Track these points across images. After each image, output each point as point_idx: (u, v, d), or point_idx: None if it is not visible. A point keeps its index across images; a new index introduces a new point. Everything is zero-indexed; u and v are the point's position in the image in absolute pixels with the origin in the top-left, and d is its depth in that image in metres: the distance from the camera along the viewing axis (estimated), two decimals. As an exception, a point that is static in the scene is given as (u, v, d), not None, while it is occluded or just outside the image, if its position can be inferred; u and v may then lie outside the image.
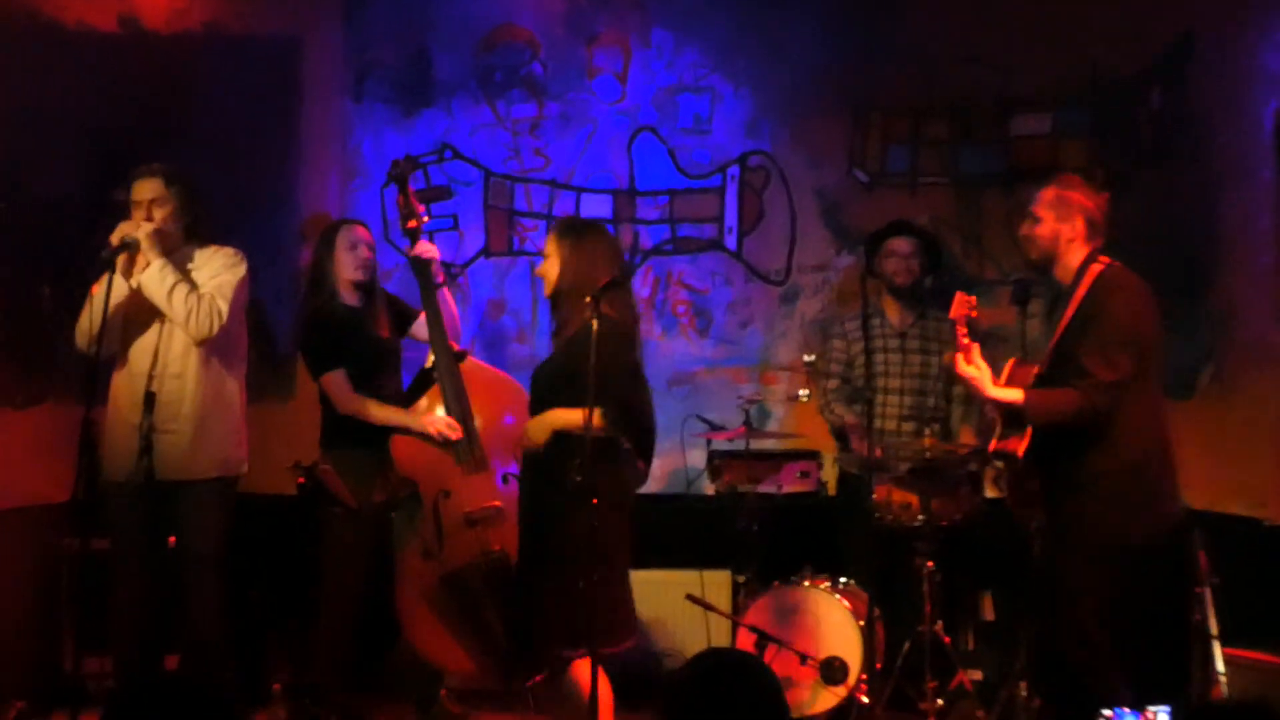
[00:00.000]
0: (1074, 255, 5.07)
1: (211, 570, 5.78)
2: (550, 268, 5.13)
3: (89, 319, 5.61)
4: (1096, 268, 5.02)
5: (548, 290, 5.17)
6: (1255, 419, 6.12)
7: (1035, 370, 5.01)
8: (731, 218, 7.51)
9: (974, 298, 5.11)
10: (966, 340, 5.02)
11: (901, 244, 6.68)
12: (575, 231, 5.27)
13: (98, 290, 5.60)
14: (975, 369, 4.97)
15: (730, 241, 7.50)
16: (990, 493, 6.54)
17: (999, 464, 6.11)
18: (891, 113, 7.30)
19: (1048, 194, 5.10)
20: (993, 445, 5.13)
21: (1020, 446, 4.97)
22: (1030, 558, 5.73)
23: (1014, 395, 4.92)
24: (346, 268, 6.04)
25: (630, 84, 7.60)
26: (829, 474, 6.92)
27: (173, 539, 5.84)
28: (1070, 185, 5.14)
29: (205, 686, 2.45)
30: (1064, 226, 5.07)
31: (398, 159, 6.40)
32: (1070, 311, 5.01)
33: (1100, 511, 4.86)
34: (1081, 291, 5.00)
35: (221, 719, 2.38)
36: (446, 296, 6.19)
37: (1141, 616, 5.07)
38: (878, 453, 6.26)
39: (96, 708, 2.45)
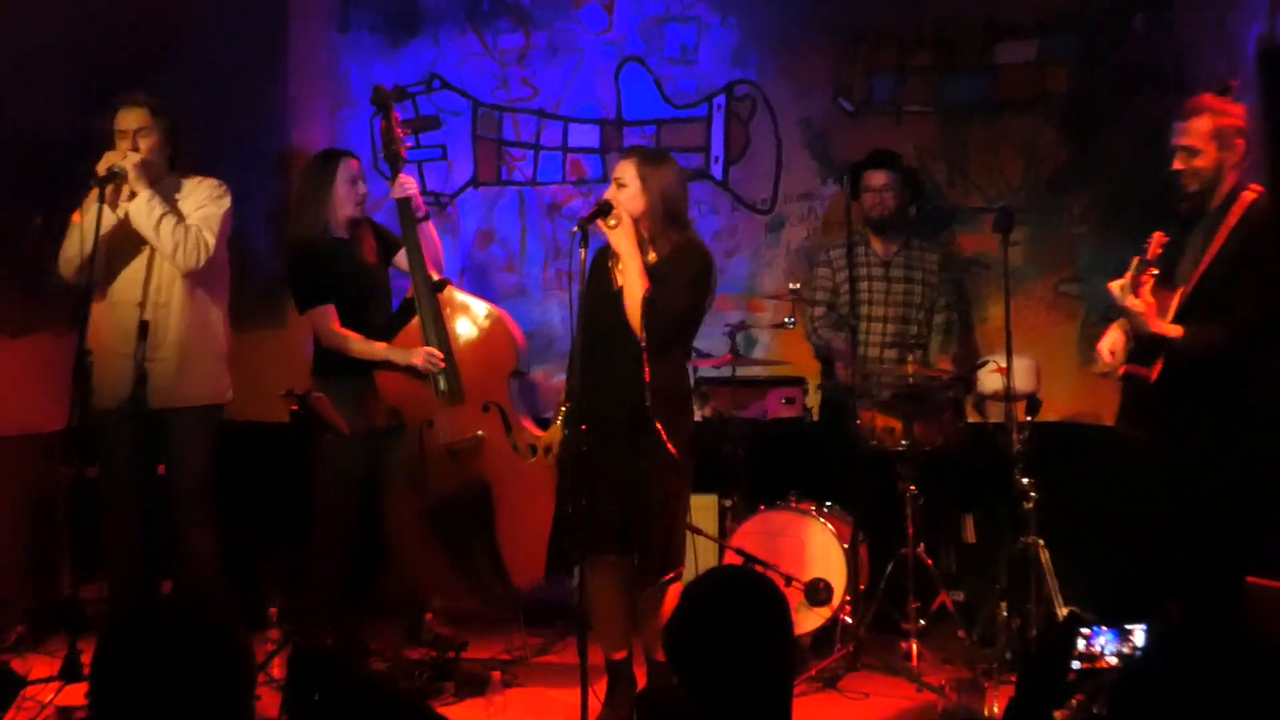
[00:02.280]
0: (1227, 181, 4.96)
1: (200, 495, 5.82)
2: (632, 194, 5.13)
3: (75, 247, 5.62)
4: (1249, 196, 4.93)
5: (630, 214, 5.13)
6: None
7: (1178, 295, 4.92)
8: (718, 147, 7.49)
9: (1166, 237, 4.95)
10: (1147, 278, 4.91)
11: (876, 177, 6.68)
12: (655, 158, 5.34)
13: (79, 219, 5.60)
14: (1142, 303, 4.89)
15: (717, 171, 7.48)
16: (972, 417, 6.57)
17: (984, 390, 6.15)
18: (877, 42, 7.25)
19: (1202, 124, 4.93)
20: (1123, 369, 5.09)
21: (1154, 372, 4.94)
22: (1010, 481, 5.78)
23: (1174, 331, 4.85)
24: (346, 202, 6.03)
25: (617, 14, 7.56)
26: (813, 400, 6.95)
27: (161, 467, 5.87)
28: (1221, 109, 4.98)
29: (200, 609, 2.47)
30: (1227, 154, 4.94)
31: (381, 86, 6.40)
32: (1220, 239, 4.90)
33: (1254, 443, 4.84)
34: (1233, 220, 4.90)
35: (218, 641, 2.39)
36: (429, 229, 6.19)
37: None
38: (857, 380, 6.31)
39: (94, 632, 2.46)
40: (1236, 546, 4.92)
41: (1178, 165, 5.01)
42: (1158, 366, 4.92)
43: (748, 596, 2.96)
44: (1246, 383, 4.88)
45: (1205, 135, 4.94)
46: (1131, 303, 4.89)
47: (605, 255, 5.23)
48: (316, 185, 6.07)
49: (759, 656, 2.87)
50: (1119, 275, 5.08)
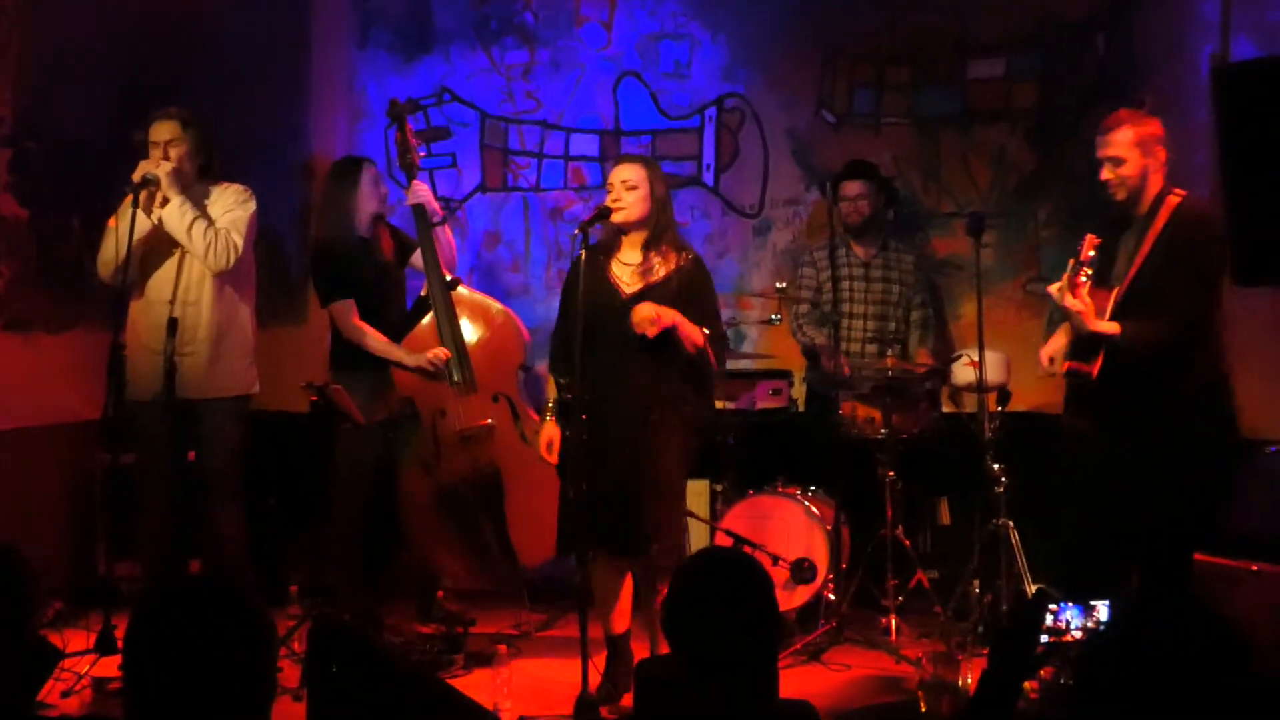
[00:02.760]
0: (1153, 186, 4.98)
1: (228, 480, 5.82)
2: (641, 197, 5.05)
3: (111, 250, 5.62)
4: (1173, 199, 4.95)
5: (630, 217, 5.06)
6: (1229, 341, 6.13)
7: (1113, 295, 4.92)
8: (709, 156, 7.48)
9: (1099, 239, 4.95)
10: (1082, 279, 4.90)
11: (851, 187, 6.67)
12: (656, 165, 5.27)
13: (114, 223, 5.61)
14: (1080, 303, 4.89)
15: (708, 178, 7.47)
16: (946, 407, 6.56)
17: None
18: (857, 58, 7.25)
19: (1124, 135, 4.95)
20: (1065, 366, 5.08)
21: (1094, 368, 4.93)
22: (982, 467, 5.78)
23: (1111, 328, 4.85)
24: (371, 201, 6.07)
25: (615, 31, 7.54)
26: (799, 392, 6.94)
27: (192, 454, 5.86)
28: (1143, 121, 5.02)
29: (227, 586, 2.45)
30: (1150, 161, 4.96)
31: (396, 99, 6.42)
32: (1150, 241, 4.92)
33: (1191, 427, 4.85)
34: (1161, 222, 4.92)
35: (243, 616, 2.38)
36: (444, 232, 6.20)
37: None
38: (845, 371, 6.31)
39: (128, 608, 2.45)
40: (1181, 528, 4.92)
41: (1105, 175, 5.03)
42: (1098, 363, 4.92)
43: (736, 577, 2.95)
44: (1183, 373, 4.89)
45: (1129, 145, 4.97)
46: (1070, 303, 4.89)
47: (596, 254, 5.12)
48: (341, 188, 6.09)
49: (748, 632, 2.86)
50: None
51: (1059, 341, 5.19)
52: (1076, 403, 5.14)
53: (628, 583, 5.18)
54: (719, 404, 6.57)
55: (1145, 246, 4.94)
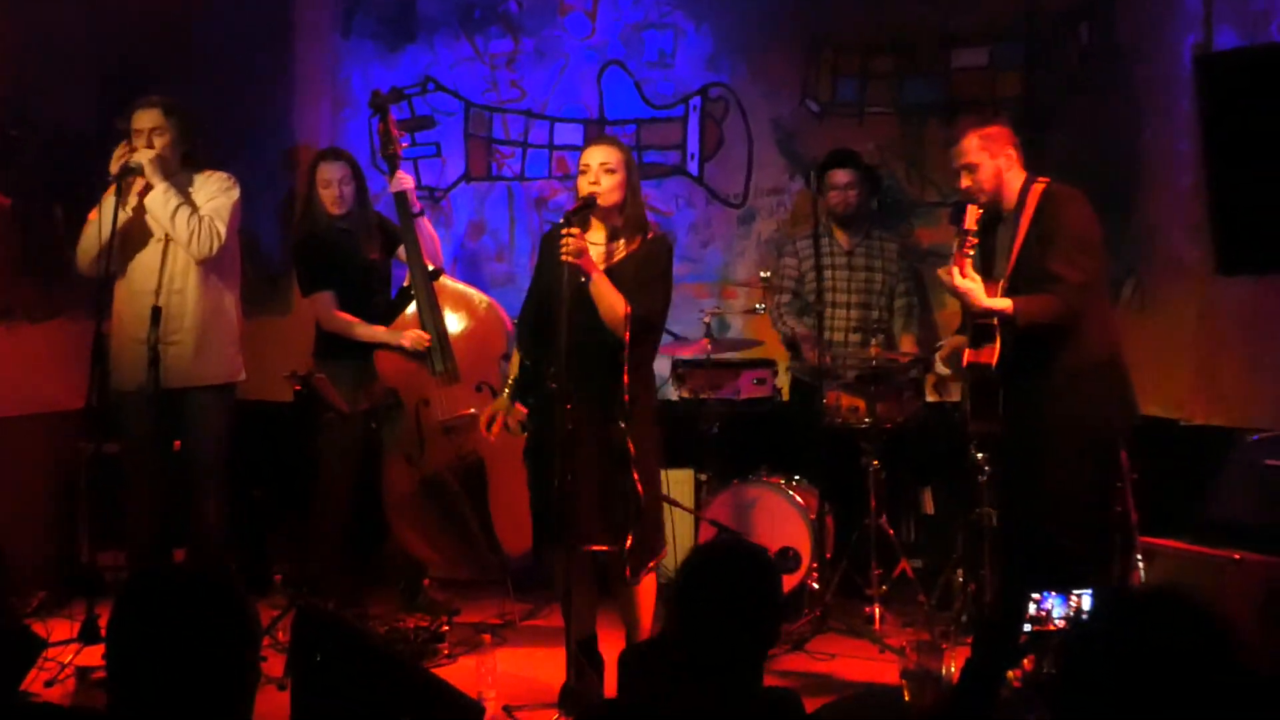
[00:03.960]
0: (1014, 181, 5.04)
1: (214, 469, 5.82)
2: (619, 182, 4.95)
3: (92, 240, 5.61)
4: (1039, 187, 5.00)
5: (607, 202, 4.94)
6: (1173, 329, 6.14)
7: (1000, 287, 4.96)
8: (693, 145, 7.48)
9: (980, 209, 5.00)
10: (969, 251, 4.93)
11: (839, 175, 6.69)
12: (629, 150, 5.20)
13: (95, 216, 5.59)
14: (970, 281, 4.92)
15: (692, 167, 7.47)
16: (930, 397, 6.57)
17: (943, 371, 6.14)
18: (841, 48, 7.25)
19: (970, 143, 5.04)
20: (966, 358, 5.10)
21: (992, 357, 4.96)
22: (966, 457, 5.79)
23: (1004, 304, 4.87)
24: (324, 203, 6.08)
25: (599, 21, 7.53)
26: (783, 381, 6.94)
27: (177, 443, 5.85)
28: (985, 123, 5.14)
29: (210, 574, 2.45)
30: (1000, 160, 5.02)
31: (378, 90, 6.41)
32: (1023, 229, 4.97)
33: (1084, 407, 4.88)
34: (1030, 209, 4.97)
35: (225, 604, 2.37)
36: (425, 224, 6.20)
37: (1102, 503, 5.15)
38: (827, 360, 6.31)
39: (111, 597, 2.44)
40: (1091, 508, 4.99)
41: (963, 184, 5.10)
42: (995, 351, 4.95)
43: (749, 569, 2.94)
44: (1075, 349, 4.91)
45: (976, 150, 5.04)
46: (960, 282, 4.91)
47: (555, 237, 4.94)
48: (308, 185, 6.14)
49: (753, 625, 2.86)
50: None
51: (953, 343, 5.29)
52: (979, 402, 5.17)
53: (595, 588, 5.13)
54: (703, 394, 6.58)
55: (1020, 233, 5.00)
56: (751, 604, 2.86)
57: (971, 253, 4.93)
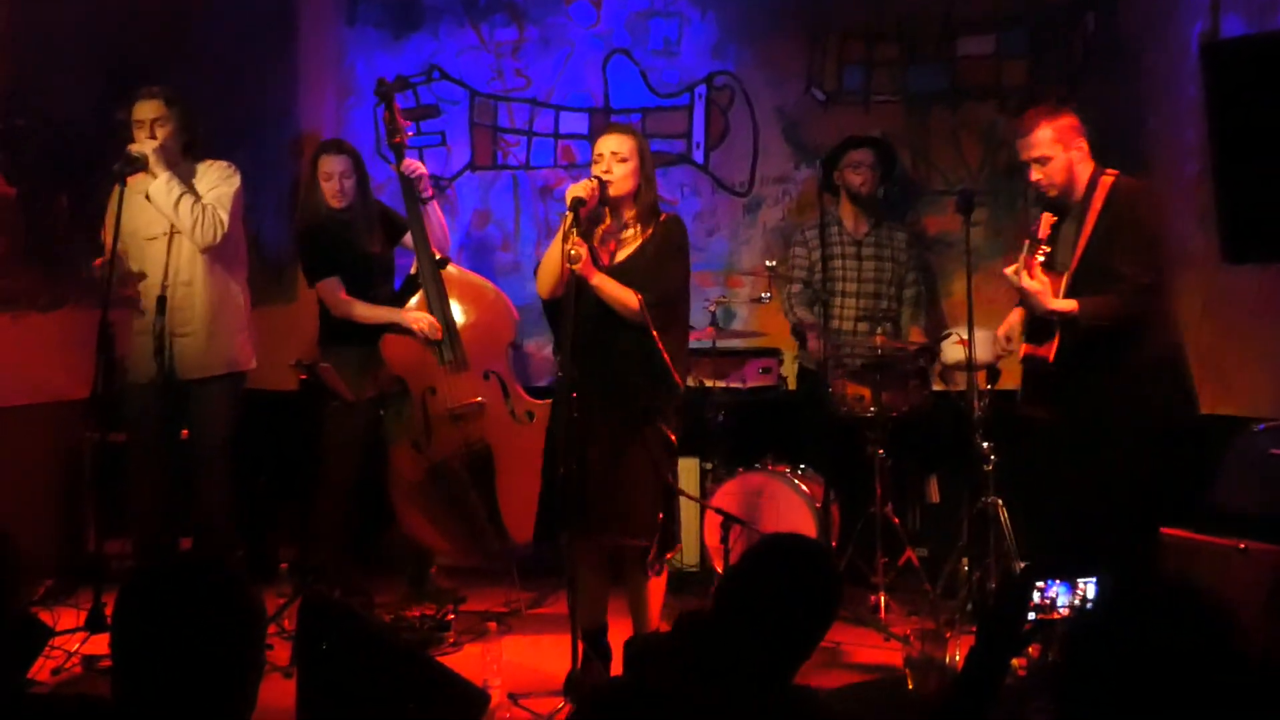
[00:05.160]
0: (1082, 173, 5.02)
1: (221, 459, 5.84)
2: (631, 170, 4.92)
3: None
4: (1107, 180, 4.99)
5: (620, 191, 4.90)
6: (1177, 314, 6.14)
7: (1064, 281, 4.95)
8: (699, 134, 7.47)
9: (1055, 216, 5.00)
10: (1039, 258, 4.92)
11: (864, 154, 6.69)
12: (645, 139, 5.13)
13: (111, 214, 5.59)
14: (1038, 283, 4.91)
15: (698, 156, 7.46)
16: (936, 386, 6.57)
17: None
18: (847, 35, 7.24)
19: (1043, 134, 5.01)
20: (1023, 350, 5.10)
21: (1050, 351, 4.95)
22: (971, 445, 5.78)
23: (1069, 305, 4.88)
24: (325, 196, 6.07)
25: (604, 9, 7.52)
26: (789, 370, 6.94)
27: (185, 432, 5.87)
28: (1056, 114, 5.07)
29: (214, 563, 2.45)
30: (1072, 152, 5.01)
31: (383, 79, 6.39)
32: (1090, 223, 4.96)
33: (1145, 403, 4.89)
34: (1098, 203, 4.96)
35: (231, 593, 2.38)
36: (434, 209, 6.18)
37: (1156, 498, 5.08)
38: (830, 350, 6.30)
39: (118, 586, 2.44)
40: (1144, 502, 4.96)
41: (1034, 177, 5.09)
42: (1054, 346, 4.94)
43: (815, 567, 2.91)
44: (1137, 347, 4.93)
45: (1050, 142, 5.02)
46: (1027, 283, 4.92)
47: (581, 225, 4.84)
48: (310, 176, 6.15)
49: (805, 626, 2.83)
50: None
51: (1013, 319, 5.25)
52: (1032, 390, 5.17)
53: (606, 579, 5.13)
54: (708, 382, 6.58)
55: (1087, 228, 4.98)
56: (808, 608, 2.84)
57: (1043, 258, 4.91)
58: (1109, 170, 5.04)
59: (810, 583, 2.88)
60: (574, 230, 4.72)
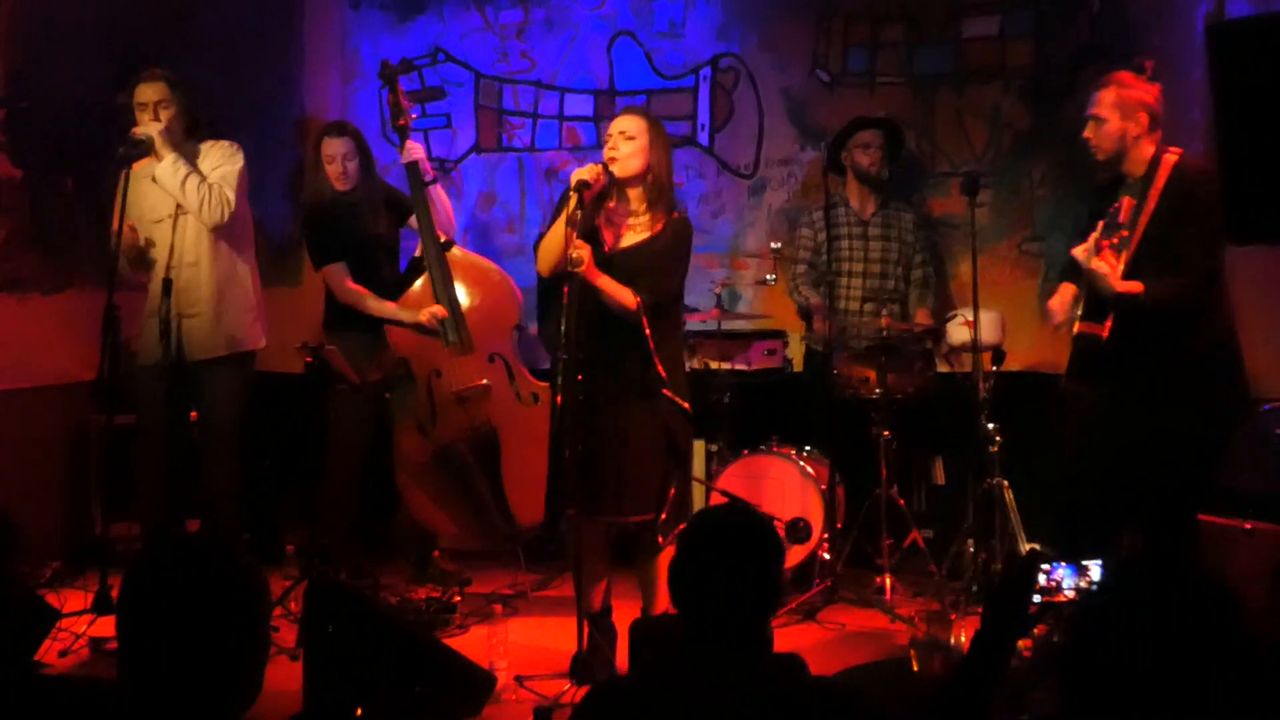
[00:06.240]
0: (1143, 149, 4.99)
1: (229, 439, 5.86)
2: (639, 149, 4.89)
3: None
4: (1171, 158, 4.95)
5: (625, 170, 4.88)
6: (1235, 298, 6.13)
7: (1121, 258, 4.87)
8: (704, 116, 7.46)
9: (1134, 200, 4.93)
10: (1115, 241, 4.85)
11: (873, 135, 6.69)
12: (660, 124, 5.09)
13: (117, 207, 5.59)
14: (1107, 265, 4.88)
15: (703, 138, 7.45)
16: (942, 367, 6.56)
17: (953, 342, 6.14)
18: (852, 17, 7.21)
19: (1108, 95, 4.99)
20: (1077, 328, 5.08)
21: (1104, 330, 4.93)
22: (977, 426, 5.78)
23: (1135, 287, 4.83)
24: (329, 178, 6.08)
25: (610, -10, 7.52)
26: (794, 351, 6.93)
27: (194, 414, 5.89)
28: (1128, 83, 5.03)
29: (220, 545, 2.45)
30: (1129, 124, 4.97)
31: (388, 61, 6.37)
32: (1153, 202, 4.92)
33: (1199, 385, 4.87)
34: (1161, 181, 4.92)
35: (236, 575, 2.38)
36: (438, 192, 6.17)
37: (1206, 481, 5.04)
38: (834, 331, 6.30)
39: (124, 567, 2.44)
40: (1189, 486, 4.93)
41: (1086, 134, 5.07)
42: (1108, 324, 4.91)
43: (748, 536, 2.91)
44: (1195, 331, 4.89)
45: (1110, 105, 5.00)
46: (1097, 264, 4.86)
47: (589, 202, 4.86)
48: (314, 159, 6.15)
49: (751, 594, 2.83)
50: (1075, 235, 5.10)
51: (1065, 295, 5.20)
52: (1081, 366, 5.12)
53: (609, 559, 5.14)
54: (714, 365, 6.58)
55: (1150, 205, 4.93)
56: (749, 570, 2.82)
57: (1118, 242, 4.86)
58: (1172, 149, 4.99)
59: (746, 547, 2.86)
60: (578, 212, 4.72)
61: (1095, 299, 4.95)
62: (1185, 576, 2.18)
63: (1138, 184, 5.00)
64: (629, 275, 4.87)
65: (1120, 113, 4.98)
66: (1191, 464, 4.91)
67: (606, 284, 4.82)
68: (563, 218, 4.79)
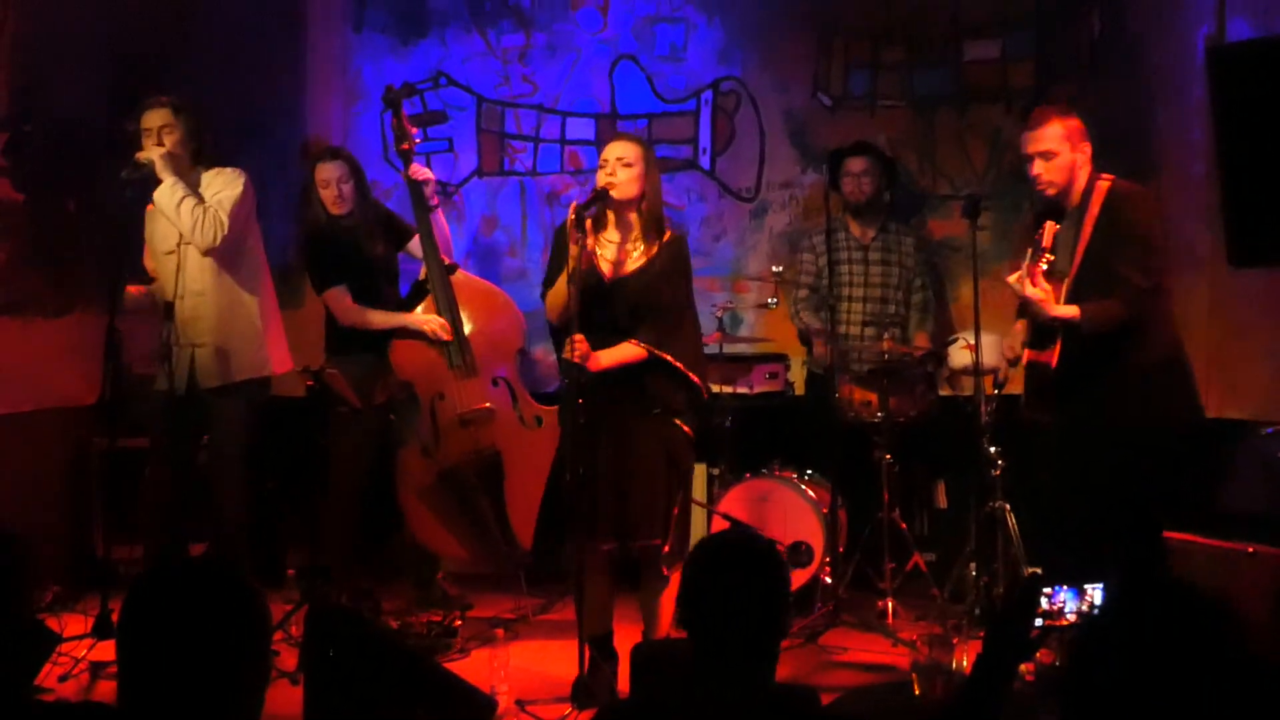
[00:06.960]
0: (1081, 177, 5.02)
1: (235, 467, 5.84)
2: (635, 176, 4.91)
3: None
4: (1103, 185, 4.98)
5: (624, 195, 4.91)
6: (1184, 316, 6.12)
7: (1064, 286, 4.94)
8: (705, 139, 7.47)
9: (1058, 225, 4.97)
10: (1042, 266, 4.90)
11: (855, 163, 6.66)
12: (652, 150, 5.13)
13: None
14: (1040, 291, 4.90)
15: (704, 161, 7.46)
16: (944, 391, 6.55)
17: (955, 365, 6.14)
18: (853, 40, 7.24)
19: (1053, 130, 4.99)
20: (1026, 356, 5.10)
21: (1053, 357, 4.95)
22: (978, 450, 5.77)
23: (1071, 311, 4.87)
24: (324, 202, 6.09)
25: (611, 15, 7.53)
26: (796, 375, 6.93)
27: (205, 437, 5.89)
28: (1068, 116, 5.06)
29: (220, 568, 2.44)
30: (1077, 155, 5.00)
31: (391, 85, 6.40)
32: (1089, 228, 4.95)
33: (1146, 405, 4.88)
34: (1095, 208, 4.95)
35: (237, 599, 2.37)
36: (440, 218, 6.18)
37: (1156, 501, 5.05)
38: (835, 355, 6.29)
39: (125, 591, 2.44)
40: (1148, 504, 4.94)
41: (1035, 171, 5.06)
42: (1056, 351, 4.94)
43: (754, 561, 2.91)
44: (1139, 350, 4.92)
45: (1058, 139, 5.01)
46: (1030, 291, 4.91)
47: (564, 234, 4.93)
48: (310, 183, 6.15)
49: (759, 619, 2.83)
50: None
51: (1017, 329, 5.26)
52: (1036, 395, 5.16)
53: (612, 583, 5.11)
54: (715, 387, 6.57)
55: (1085, 232, 4.98)
56: (757, 596, 2.83)
57: (1046, 266, 4.91)
58: (1104, 175, 5.03)
59: (754, 575, 2.86)
60: (581, 237, 4.76)
61: (1040, 327, 4.98)
62: (1187, 599, 2.17)
63: (1074, 213, 5.03)
64: (630, 302, 4.90)
65: (1069, 144, 5.01)
66: (1150, 481, 4.92)
67: (612, 360, 4.87)
68: (563, 276, 4.83)
